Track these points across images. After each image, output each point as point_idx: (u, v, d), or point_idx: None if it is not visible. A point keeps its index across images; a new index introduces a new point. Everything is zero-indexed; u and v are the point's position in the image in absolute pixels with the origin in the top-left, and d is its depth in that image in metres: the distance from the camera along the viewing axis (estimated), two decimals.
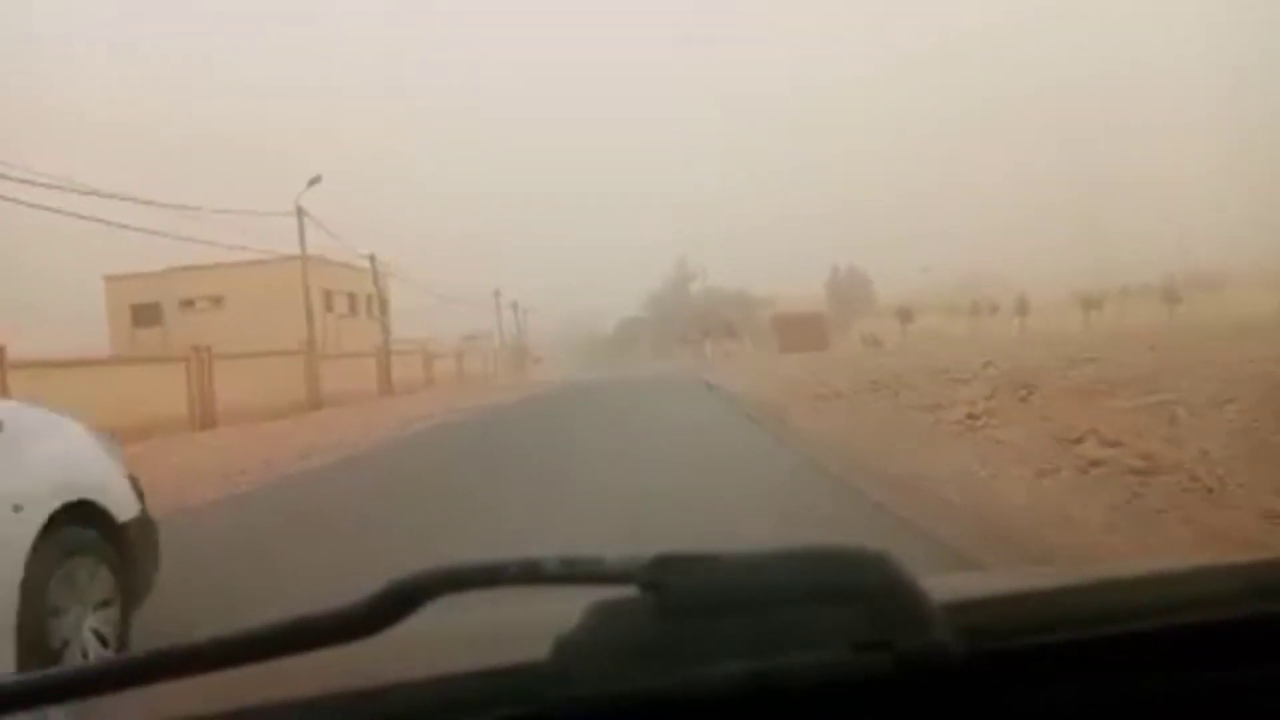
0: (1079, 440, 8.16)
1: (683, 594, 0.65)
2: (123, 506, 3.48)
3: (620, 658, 0.64)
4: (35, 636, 2.82)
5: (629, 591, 0.66)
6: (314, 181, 31.60)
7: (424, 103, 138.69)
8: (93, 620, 3.18)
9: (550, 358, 78.23)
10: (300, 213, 31.38)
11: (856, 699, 0.66)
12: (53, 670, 0.70)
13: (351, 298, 45.75)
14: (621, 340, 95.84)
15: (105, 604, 3.28)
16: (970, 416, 11.05)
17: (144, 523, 3.65)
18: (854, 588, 0.66)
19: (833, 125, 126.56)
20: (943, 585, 0.73)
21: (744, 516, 6.80)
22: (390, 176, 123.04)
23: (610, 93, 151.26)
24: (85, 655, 3.03)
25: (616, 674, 0.64)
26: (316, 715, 0.72)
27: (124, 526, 3.43)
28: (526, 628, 0.81)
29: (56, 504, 3.02)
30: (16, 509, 2.82)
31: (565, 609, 0.68)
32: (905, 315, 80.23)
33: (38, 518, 2.92)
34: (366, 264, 41.24)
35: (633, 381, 32.72)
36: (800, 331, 68.25)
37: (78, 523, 3.13)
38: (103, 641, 3.20)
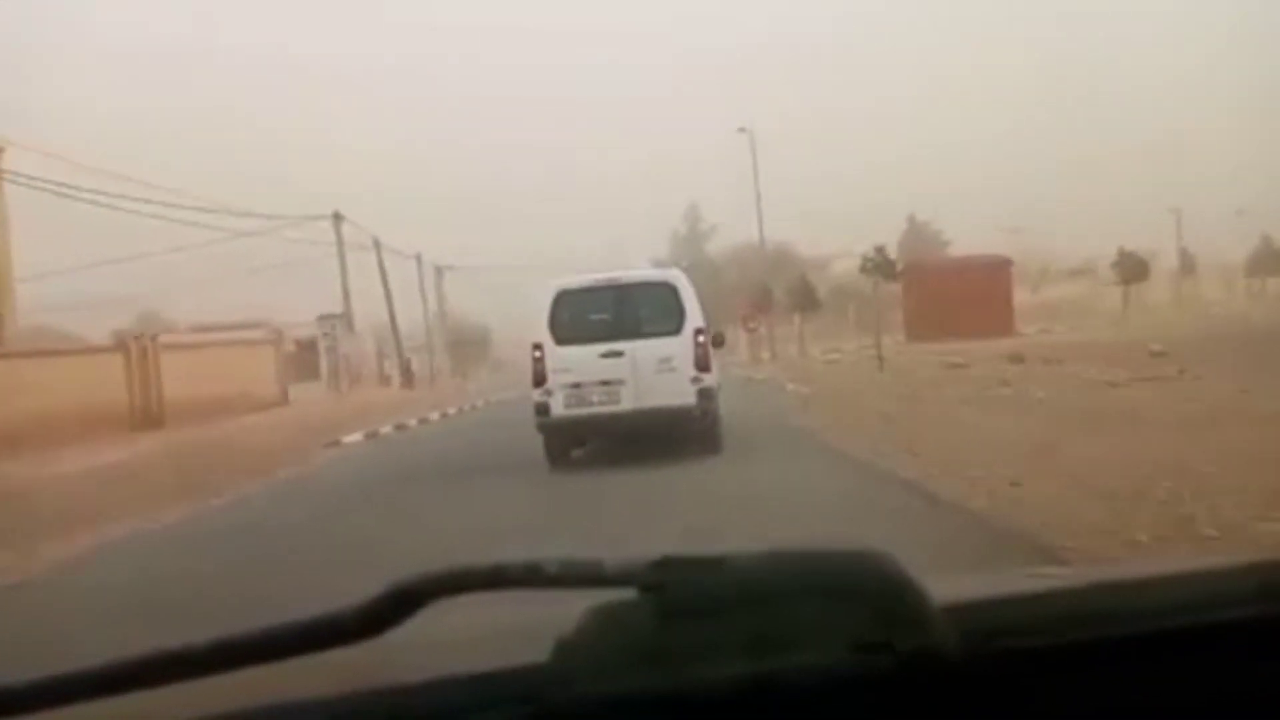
0: None
1: (683, 596, 0.65)
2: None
3: (621, 659, 0.65)
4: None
5: (629, 594, 0.67)
6: None
7: None
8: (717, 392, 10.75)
9: (508, 359, 47.85)
10: None
11: (857, 700, 0.66)
12: (57, 674, 0.71)
13: None
14: None
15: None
16: None
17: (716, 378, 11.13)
18: (854, 589, 0.66)
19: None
20: (943, 586, 0.73)
21: None
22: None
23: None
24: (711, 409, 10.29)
25: (617, 676, 0.64)
26: (319, 718, 0.73)
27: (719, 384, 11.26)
28: (527, 630, 0.81)
29: (718, 378, 11.14)
30: (719, 383, 11.03)
31: (566, 611, 0.68)
32: (1135, 270, 42.25)
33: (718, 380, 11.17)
34: None
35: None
36: (963, 298, 32.93)
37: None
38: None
